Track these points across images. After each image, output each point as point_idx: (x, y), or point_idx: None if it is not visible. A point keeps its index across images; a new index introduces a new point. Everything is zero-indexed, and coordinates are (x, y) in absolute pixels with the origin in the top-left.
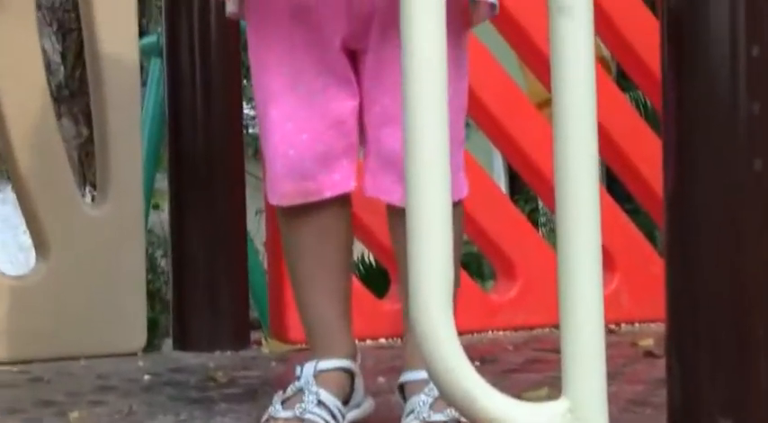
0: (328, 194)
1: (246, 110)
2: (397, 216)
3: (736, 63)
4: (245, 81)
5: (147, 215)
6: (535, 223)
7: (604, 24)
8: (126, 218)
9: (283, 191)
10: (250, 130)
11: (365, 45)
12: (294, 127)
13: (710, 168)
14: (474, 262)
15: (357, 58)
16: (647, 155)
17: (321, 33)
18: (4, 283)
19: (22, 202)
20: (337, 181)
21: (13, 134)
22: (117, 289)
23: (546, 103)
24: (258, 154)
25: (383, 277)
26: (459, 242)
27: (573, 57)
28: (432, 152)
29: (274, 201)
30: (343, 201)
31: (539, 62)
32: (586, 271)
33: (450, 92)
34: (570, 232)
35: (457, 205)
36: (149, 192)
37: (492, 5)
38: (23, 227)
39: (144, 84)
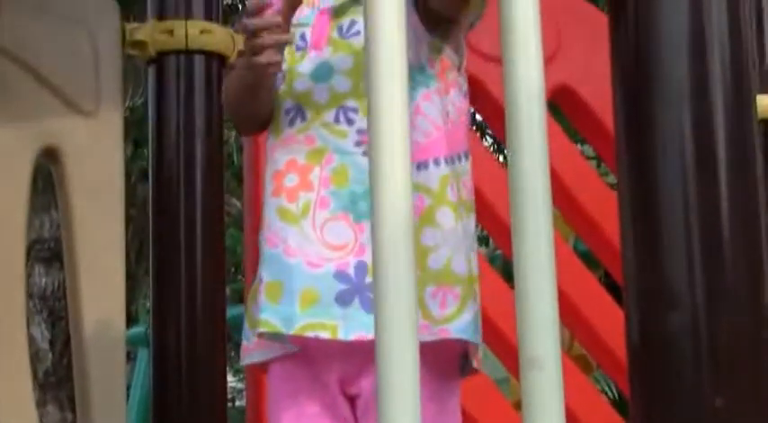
0: None
1: (232, 383)
2: None
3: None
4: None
5: None
6: None
7: (574, 318)
8: None
9: None
10: (236, 403)
11: (358, 390)
12: None
13: None
14: None
15: (353, 401)
16: None
17: (321, 376)
18: None
19: None
20: None
21: None
22: None
23: None
24: None
25: None
26: None
27: (543, 406)
28: None
29: None
30: None
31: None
32: None
33: None
34: None
35: None
36: None
37: (475, 370)
38: None
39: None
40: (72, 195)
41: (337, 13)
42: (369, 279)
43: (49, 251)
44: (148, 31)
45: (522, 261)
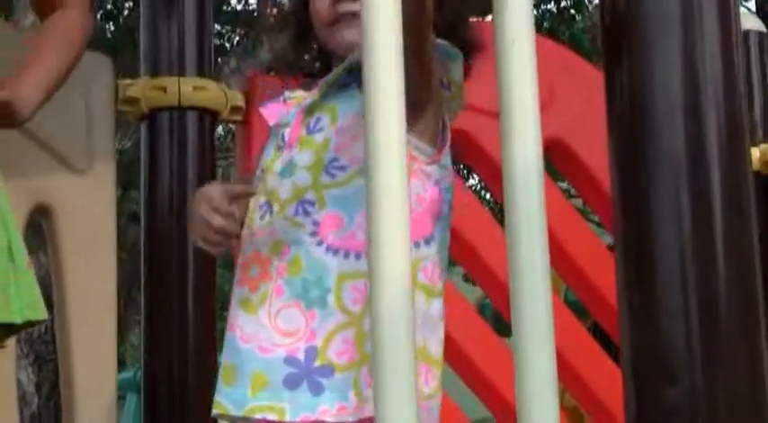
0: None
1: None
2: None
3: None
4: None
5: None
6: None
7: (564, 369)
8: None
9: None
10: None
11: None
12: None
13: None
14: None
15: None
16: None
17: None
18: None
19: None
20: None
21: None
22: None
23: None
24: None
25: None
26: None
27: None
28: None
29: None
30: None
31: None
32: None
33: None
34: None
35: None
36: None
37: None
38: None
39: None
40: (64, 250)
41: (308, 111)
42: (317, 363)
43: None
44: (141, 88)
45: (522, 345)
